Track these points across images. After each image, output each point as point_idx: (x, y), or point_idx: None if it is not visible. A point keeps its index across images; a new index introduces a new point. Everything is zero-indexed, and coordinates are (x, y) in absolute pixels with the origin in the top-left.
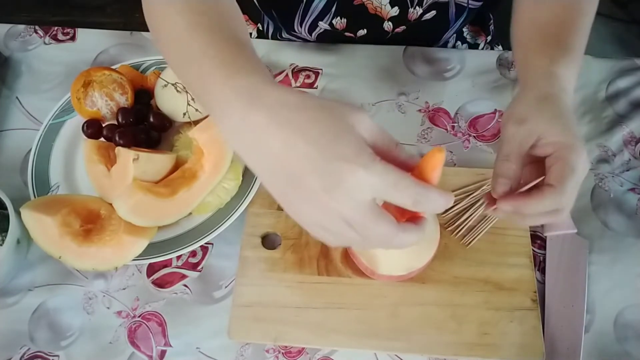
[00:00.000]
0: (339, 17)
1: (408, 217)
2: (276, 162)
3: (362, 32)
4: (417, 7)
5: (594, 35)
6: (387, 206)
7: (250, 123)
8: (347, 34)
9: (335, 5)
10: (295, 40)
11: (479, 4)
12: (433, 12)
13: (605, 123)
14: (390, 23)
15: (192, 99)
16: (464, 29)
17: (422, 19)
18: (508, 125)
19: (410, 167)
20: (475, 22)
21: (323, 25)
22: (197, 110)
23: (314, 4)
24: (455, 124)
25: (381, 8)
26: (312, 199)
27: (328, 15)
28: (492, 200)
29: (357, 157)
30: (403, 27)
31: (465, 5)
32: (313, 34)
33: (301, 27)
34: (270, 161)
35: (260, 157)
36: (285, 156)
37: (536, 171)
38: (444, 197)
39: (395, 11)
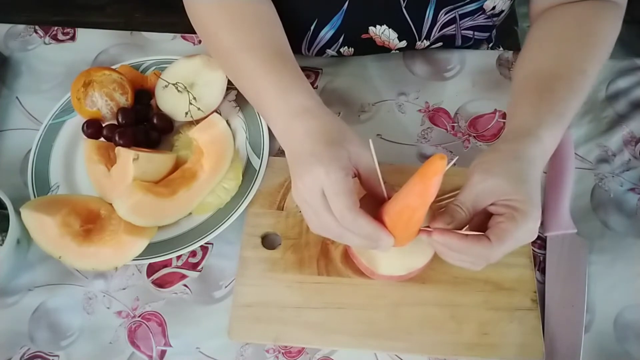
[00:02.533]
0: (346, 47)
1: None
2: (293, 153)
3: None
4: (424, 41)
5: None
6: (385, 211)
7: (291, 129)
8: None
9: (342, 37)
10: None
11: (486, 35)
12: (440, 43)
13: (605, 123)
14: (397, 51)
15: (194, 98)
16: None
17: (429, 49)
18: (475, 172)
19: (386, 196)
20: None
21: (330, 52)
22: (199, 109)
23: (321, 34)
24: (455, 124)
25: (389, 41)
26: (295, 179)
27: (336, 45)
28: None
29: (326, 162)
30: None
31: (471, 37)
32: (320, 57)
33: (308, 52)
34: (291, 152)
35: (289, 148)
36: (297, 149)
37: (482, 218)
38: (370, 234)
39: (403, 44)
